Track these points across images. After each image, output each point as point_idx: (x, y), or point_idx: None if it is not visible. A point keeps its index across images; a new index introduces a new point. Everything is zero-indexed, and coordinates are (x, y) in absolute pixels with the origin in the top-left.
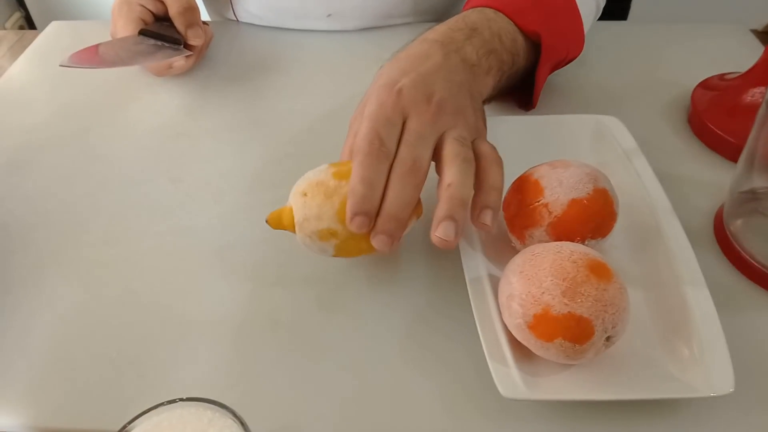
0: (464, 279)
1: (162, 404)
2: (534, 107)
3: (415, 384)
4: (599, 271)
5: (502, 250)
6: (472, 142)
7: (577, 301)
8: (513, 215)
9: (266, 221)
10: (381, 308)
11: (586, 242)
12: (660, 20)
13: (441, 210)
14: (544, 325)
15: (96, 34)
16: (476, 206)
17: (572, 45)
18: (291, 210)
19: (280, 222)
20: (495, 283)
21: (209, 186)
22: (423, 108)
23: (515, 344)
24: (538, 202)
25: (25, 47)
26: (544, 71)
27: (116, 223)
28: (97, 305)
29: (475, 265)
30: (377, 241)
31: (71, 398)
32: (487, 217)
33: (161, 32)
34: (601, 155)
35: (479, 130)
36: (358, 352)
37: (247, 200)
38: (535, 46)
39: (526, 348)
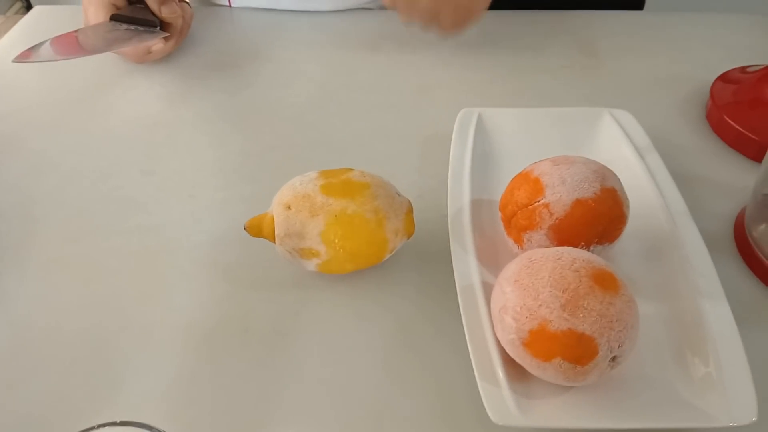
0: (455, 287)
1: (92, 428)
2: None
3: (399, 405)
4: (605, 281)
5: (498, 255)
6: None
7: (578, 316)
8: (510, 216)
9: (244, 228)
10: (364, 318)
11: (592, 248)
12: (678, 9)
13: None
14: (541, 342)
15: (80, 18)
16: None
17: None
18: (272, 219)
19: (259, 231)
20: (489, 292)
21: (184, 179)
22: None
23: (509, 362)
24: (538, 201)
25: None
26: None
27: (80, 218)
28: (51, 308)
29: (467, 271)
30: None
31: (6, 412)
32: None
33: (134, 15)
34: (609, 152)
35: None
36: (336, 366)
37: (225, 195)
38: None
39: (522, 366)
